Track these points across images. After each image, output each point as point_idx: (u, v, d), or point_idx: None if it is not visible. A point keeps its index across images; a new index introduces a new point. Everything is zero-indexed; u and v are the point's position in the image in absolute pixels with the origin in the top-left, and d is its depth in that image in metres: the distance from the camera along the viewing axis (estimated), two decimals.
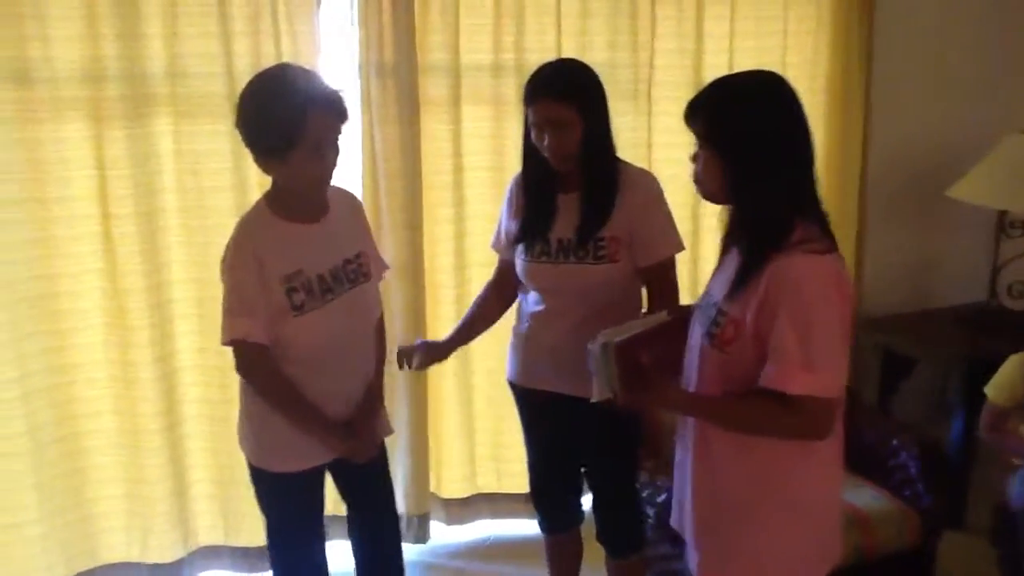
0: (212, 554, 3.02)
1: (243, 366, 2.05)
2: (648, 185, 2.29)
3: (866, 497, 2.74)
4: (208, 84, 2.71)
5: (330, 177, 2.04)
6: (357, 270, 2.14)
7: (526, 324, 2.39)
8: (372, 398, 2.23)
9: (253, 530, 2.96)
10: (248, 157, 2.69)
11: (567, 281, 2.27)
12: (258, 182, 2.78)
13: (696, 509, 1.88)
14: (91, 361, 2.77)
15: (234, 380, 2.80)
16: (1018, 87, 3.62)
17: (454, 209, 3.05)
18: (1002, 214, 3.41)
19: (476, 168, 3.07)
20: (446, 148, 3.02)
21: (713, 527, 1.86)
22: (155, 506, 2.88)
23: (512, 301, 2.49)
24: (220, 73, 2.70)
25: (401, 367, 2.34)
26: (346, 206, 2.21)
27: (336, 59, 2.89)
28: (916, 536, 2.70)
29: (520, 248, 2.33)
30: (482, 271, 3.08)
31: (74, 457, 2.80)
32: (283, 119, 1.91)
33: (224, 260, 2.04)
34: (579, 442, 2.42)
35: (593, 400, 1.88)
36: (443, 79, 2.96)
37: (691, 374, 1.86)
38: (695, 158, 1.77)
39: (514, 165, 3.06)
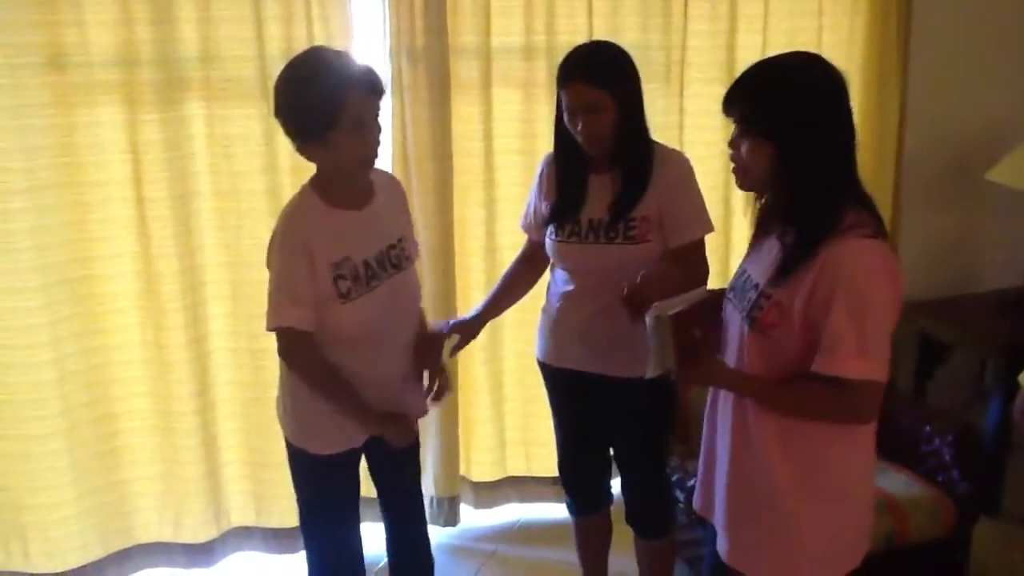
0: (244, 535, 3.05)
1: (287, 352, 2.06)
2: (680, 165, 2.27)
3: (899, 483, 2.71)
4: (240, 68, 2.71)
5: (375, 155, 2.04)
6: (400, 254, 2.14)
7: (556, 304, 2.38)
8: (410, 379, 2.23)
9: (285, 511, 2.99)
10: (279, 140, 2.76)
11: (597, 261, 2.27)
12: (290, 166, 2.80)
13: (730, 494, 1.87)
14: (125, 343, 2.80)
15: (266, 363, 2.88)
16: None
17: (484, 192, 3.05)
18: None
19: (507, 151, 3.06)
20: (477, 131, 3.01)
21: (749, 513, 1.84)
22: (188, 487, 2.91)
23: (539, 277, 2.50)
24: (252, 57, 2.71)
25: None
26: (390, 190, 2.21)
27: (368, 43, 2.89)
28: (950, 523, 2.67)
29: (551, 229, 2.33)
30: (512, 254, 3.02)
31: (109, 438, 2.84)
32: (320, 100, 1.91)
33: (272, 246, 2.05)
34: (609, 422, 2.42)
35: (648, 376, 1.87)
36: (474, 62, 2.95)
37: (730, 357, 1.85)
38: (735, 144, 1.74)
39: (544, 148, 3.04)
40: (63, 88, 2.58)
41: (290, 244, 2.01)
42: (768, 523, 1.81)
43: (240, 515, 3.04)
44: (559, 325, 2.38)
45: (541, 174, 2.40)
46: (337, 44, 2.76)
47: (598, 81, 2.12)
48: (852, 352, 1.63)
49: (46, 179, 2.61)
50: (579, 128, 2.16)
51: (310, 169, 2.79)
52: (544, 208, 2.36)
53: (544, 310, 2.46)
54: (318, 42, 2.74)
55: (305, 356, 2.05)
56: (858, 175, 1.72)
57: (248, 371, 2.90)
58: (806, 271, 1.66)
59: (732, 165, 1.78)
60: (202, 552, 2.97)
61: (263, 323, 2.81)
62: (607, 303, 2.17)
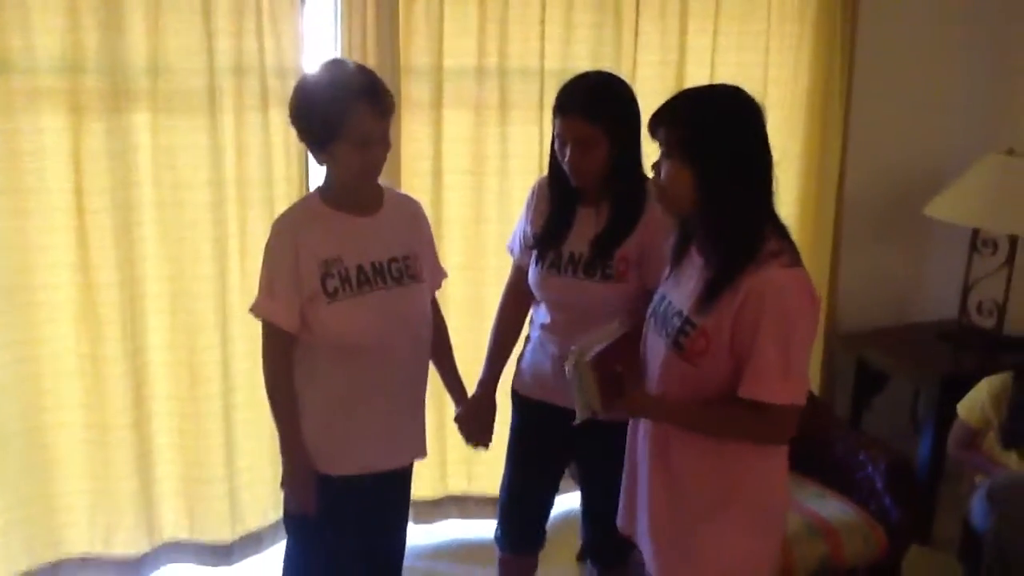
0: (177, 548, 3.00)
1: (262, 344, 2.10)
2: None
3: (833, 509, 2.76)
4: (189, 80, 2.70)
5: (376, 170, 2.07)
6: (403, 271, 2.12)
7: (536, 335, 2.36)
8: (410, 417, 2.24)
9: (219, 525, 2.96)
10: (225, 153, 2.76)
11: (572, 296, 2.22)
12: (235, 178, 2.79)
13: (652, 512, 1.90)
14: (60, 353, 2.74)
15: (206, 375, 2.86)
16: (997, 107, 3.66)
17: (432, 212, 3.05)
18: (975, 232, 3.45)
19: (455, 172, 3.07)
20: (426, 151, 3.02)
21: (673, 530, 1.87)
22: (121, 500, 2.86)
23: (528, 309, 2.44)
24: (201, 69, 2.69)
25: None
26: (406, 210, 2.22)
27: (319, 59, 2.89)
28: (883, 549, 2.72)
29: (534, 256, 2.29)
30: (461, 275, 3.10)
31: (40, 450, 2.77)
32: (324, 112, 1.97)
33: (268, 239, 2.09)
34: (578, 456, 2.39)
35: (577, 422, 1.90)
36: (425, 82, 2.97)
37: (652, 380, 1.88)
38: (656, 167, 1.77)
39: (493, 171, 3.11)
40: (5, 93, 2.54)
41: (278, 239, 2.06)
42: (690, 538, 1.84)
43: (173, 529, 2.99)
44: (536, 356, 2.35)
45: (532, 195, 2.35)
46: (288, 60, 2.79)
47: (592, 116, 2.06)
48: (777, 378, 1.67)
49: None
50: (567, 159, 2.11)
51: (257, 183, 2.84)
52: (531, 231, 2.32)
53: (526, 339, 2.44)
54: (268, 57, 2.76)
55: (271, 352, 2.08)
56: (774, 204, 1.76)
57: (186, 385, 2.87)
58: (729, 299, 1.70)
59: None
60: (133, 566, 2.91)
61: (203, 336, 2.85)
62: (592, 336, 2.12)
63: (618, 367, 1.86)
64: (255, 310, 2.08)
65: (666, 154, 1.75)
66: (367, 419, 2.11)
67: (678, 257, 1.88)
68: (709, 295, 1.72)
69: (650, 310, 1.93)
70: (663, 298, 1.88)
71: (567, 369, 1.87)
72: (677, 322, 1.79)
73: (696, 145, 1.71)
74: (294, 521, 2.21)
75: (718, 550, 1.82)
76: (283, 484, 2.18)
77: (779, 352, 1.67)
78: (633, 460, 1.95)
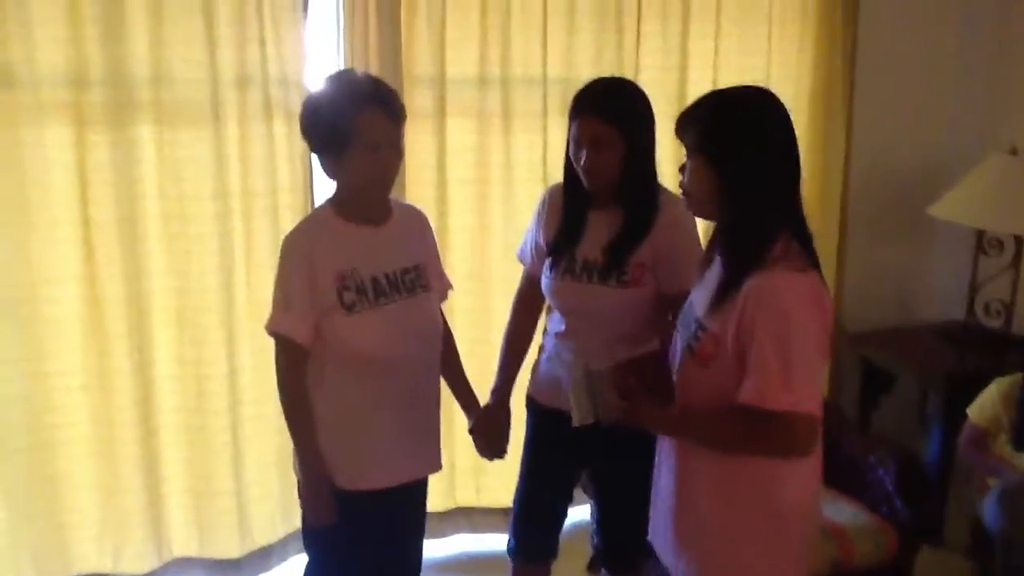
0: (186, 565, 2.98)
1: (276, 359, 2.07)
2: (680, 212, 2.13)
3: (843, 511, 2.75)
4: (192, 90, 2.69)
5: (389, 179, 2.05)
6: (415, 280, 2.12)
7: (551, 343, 2.34)
8: (425, 431, 2.21)
9: (228, 541, 2.94)
10: (230, 165, 2.75)
11: (588, 302, 2.20)
12: (240, 190, 2.78)
13: (676, 524, 1.88)
14: (67, 368, 2.73)
15: (212, 390, 2.84)
16: (1000, 106, 3.66)
17: (437, 222, 3.04)
18: (981, 233, 3.45)
19: (459, 181, 3.07)
20: (430, 160, 3.01)
21: (694, 542, 1.85)
22: (129, 516, 2.84)
23: (539, 316, 2.44)
24: (204, 80, 2.69)
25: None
26: (412, 220, 2.21)
27: (322, 69, 2.89)
28: (893, 551, 2.71)
29: (547, 263, 2.28)
30: (467, 285, 3.09)
31: (47, 465, 2.75)
32: (335, 119, 1.95)
33: (280, 252, 2.07)
34: (589, 464, 2.37)
35: (575, 424, 1.90)
36: (428, 91, 2.96)
37: (677, 391, 1.86)
38: (683, 168, 1.77)
39: (498, 179, 3.10)
40: (9, 106, 2.53)
41: (291, 252, 2.04)
42: (711, 551, 1.83)
43: (182, 545, 2.96)
44: (551, 364, 2.33)
45: (543, 204, 2.34)
46: (290, 69, 2.79)
47: (610, 117, 2.08)
48: (776, 383, 1.63)
49: None
50: (582, 161, 2.11)
51: (261, 194, 2.82)
52: (542, 239, 2.31)
53: (540, 347, 2.42)
54: (271, 66, 2.75)
55: (288, 368, 2.05)
56: (801, 210, 1.74)
57: (193, 398, 2.85)
58: (733, 302, 1.68)
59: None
60: None
61: (210, 349, 2.84)
62: (598, 344, 2.13)
63: (631, 378, 1.85)
64: (271, 326, 2.04)
65: (690, 155, 1.75)
66: (381, 433, 2.09)
67: (707, 261, 1.87)
68: (718, 298, 1.72)
69: (679, 316, 1.92)
70: (689, 303, 1.88)
71: (569, 373, 1.87)
72: (693, 327, 1.79)
73: (716, 146, 1.70)
74: (313, 537, 2.17)
75: (740, 565, 1.80)
76: (301, 499, 2.14)
77: (777, 357, 1.63)
78: (658, 468, 1.94)
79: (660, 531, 1.95)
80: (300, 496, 2.14)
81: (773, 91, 1.78)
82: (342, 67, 2.83)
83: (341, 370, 2.06)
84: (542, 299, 2.38)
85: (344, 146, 1.96)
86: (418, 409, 2.16)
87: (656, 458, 1.97)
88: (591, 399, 1.88)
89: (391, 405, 2.09)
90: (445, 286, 2.30)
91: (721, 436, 1.76)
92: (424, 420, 2.20)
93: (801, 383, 1.64)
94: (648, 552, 2.46)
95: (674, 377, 1.88)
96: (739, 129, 1.69)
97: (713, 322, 1.72)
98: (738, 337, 1.67)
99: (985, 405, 2.89)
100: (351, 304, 2.01)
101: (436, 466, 2.27)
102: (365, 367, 2.05)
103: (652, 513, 2.00)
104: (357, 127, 1.94)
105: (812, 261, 1.72)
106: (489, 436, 2.38)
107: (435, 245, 2.29)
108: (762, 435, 1.69)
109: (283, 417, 2.10)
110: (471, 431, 2.38)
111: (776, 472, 1.76)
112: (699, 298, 1.82)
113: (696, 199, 1.77)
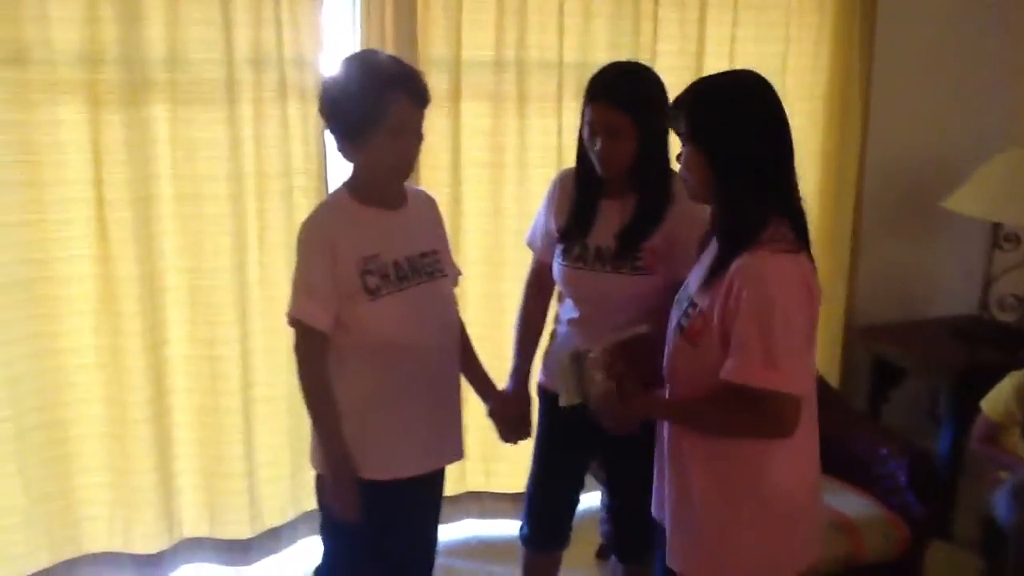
0: (196, 546, 2.99)
1: (296, 346, 2.04)
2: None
3: (854, 505, 2.74)
4: (207, 71, 2.68)
5: (411, 164, 2.03)
6: (433, 265, 2.11)
7: (562, 330, 2.33)
8: (447, 418, 2.18)
9: (239, 522, 2.95)
10: (244, 146, 2.74)
11: (600, 290, 2.20)
12: (254, 171, 2.77)
13: (671, 503, 1.91)
14: (80, 347, 2.73)
15: (225, 370, 2.84)
16: (1016, 100, 3.64)
17: (451, 206, 3.04)
18: (996, 227, 3.43)
19: (474, 164, 3.06)
20: (445, 143, 3.00)
21: (684, 521, 1.88)
22: (140, 496, 2.85)
23: (550, 300, 2.42)
24: (219, 61, 2.68)
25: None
26: (424, 204, 2.19)
27: (338, 51, 2.88)
28: (903, 545, 2.70)
29: (559, 250, 2.27)
30: (479, 268, 3.09)
31: (60, 444, 2.76)
32: (363, 100, 1.92)
33: (298, 241, 2.03)
34: (606, 451, 2.36)
35: (561, 404, 1.92)
36: (444, 74, 2.95)
37: (666, 369, 1.89)
38: (679, 155, 1.80)
39: (512, 163, 3.09)
40: (24, 85, 2.53)
41: (312, 239, 2.01)
42: (699, 531, 1.85)
43: (193, 526, 2.97)
44: (563, 352, 2.32)
45: (554, 188, 2.33)
46: (306, 52, 2.77)
47: (623, 105, 2.06)
48: (758, 361, 1.66)
49: (3, 177, 2.54)
50: (597, 148, 2.10)
51: (276, 176, 2.81)
52: (552, 225, 2.30)
53: (552, 335, 2.41)
54: (287, 48, 2.73)
55: (308, 355, 2.02)
56: (796, 191, 1.75)
57: (206, 379, 2.85)
58: (720, 282, 1.71)
59: None
60: (152, 563, 2.89)
61: (223, 330, 2.83)
62: (610, 331, 2.09)
63: (619, 364, 1.87)
64: (294, 312, 1.99)
65: (683, 142, 1.77)
66: (409, 421, 2.07)
67: (704, 245, 1.89)
68: (708, 277, 1.75)
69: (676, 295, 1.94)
70: (686, 283, 1.90)
71: (563, 358, 1.89)
72: (685, 304, 1.83)
73: (706, 130, 1.72)
74: (335, 528, 2.13)
75: (725, 540, 1.82)
76: (325, 489, 2.10)
77: (760, 335, 1.65)
78: (661, 450, 1.96)
79: (663, 510, 1.97)
80: (320, 489, 2.11)
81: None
82: (358, 48, 2.82)
83: (364, 358, 2.03)
84: (552, 285, 2.37)
85: (368, 129, 1.93)
86: (441, 396, 2.15)
87: (658, 441, 1.99)
88: (577, 380, 1.91)
89: (416, 392, 2.06)
90: (456, 272, 2.29)
91: (706, 418, 1.79)
92: (447, 407, 2.18)
93: (784, 362, 1.66)
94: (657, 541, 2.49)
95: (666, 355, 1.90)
96: (724, 115, 1.71)
97: (703, 299, 1.75)
98: (723, 315, 1.70)
99: (999, 399, 2.88)
100: (375, 289, 1.99)
101: (460, 453, 2.25)
102: (389, 354, 2.03)
103: (656, 491, 2.01)
104: (385, 109, 1.91)
105: (803, 243, 1.74)
106: (510, 419, 2.34)
107: (444, 229, 2.27)
108: (744, 414, 1.71)
109: (294, 399, 2.09)
110: (490, 415, 2.35)
111: (761, 455, 1.77)
112: (695, 277, 1.85)
113: (691, 184, 1.79)
